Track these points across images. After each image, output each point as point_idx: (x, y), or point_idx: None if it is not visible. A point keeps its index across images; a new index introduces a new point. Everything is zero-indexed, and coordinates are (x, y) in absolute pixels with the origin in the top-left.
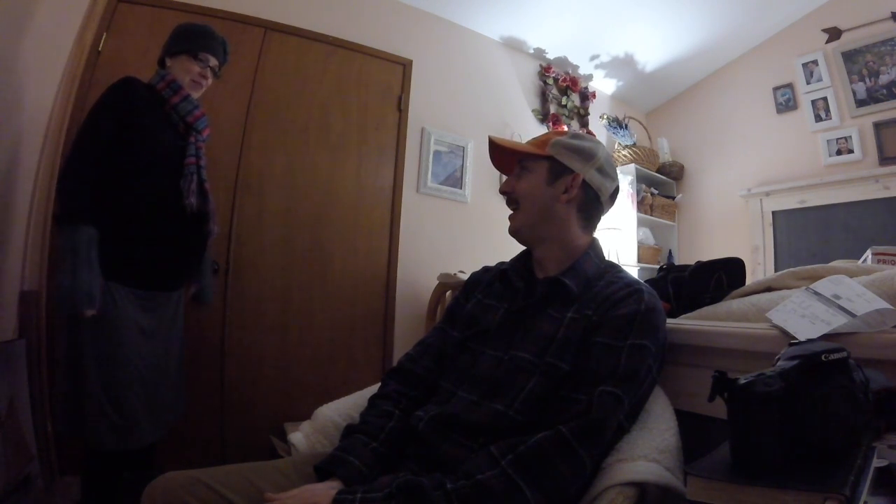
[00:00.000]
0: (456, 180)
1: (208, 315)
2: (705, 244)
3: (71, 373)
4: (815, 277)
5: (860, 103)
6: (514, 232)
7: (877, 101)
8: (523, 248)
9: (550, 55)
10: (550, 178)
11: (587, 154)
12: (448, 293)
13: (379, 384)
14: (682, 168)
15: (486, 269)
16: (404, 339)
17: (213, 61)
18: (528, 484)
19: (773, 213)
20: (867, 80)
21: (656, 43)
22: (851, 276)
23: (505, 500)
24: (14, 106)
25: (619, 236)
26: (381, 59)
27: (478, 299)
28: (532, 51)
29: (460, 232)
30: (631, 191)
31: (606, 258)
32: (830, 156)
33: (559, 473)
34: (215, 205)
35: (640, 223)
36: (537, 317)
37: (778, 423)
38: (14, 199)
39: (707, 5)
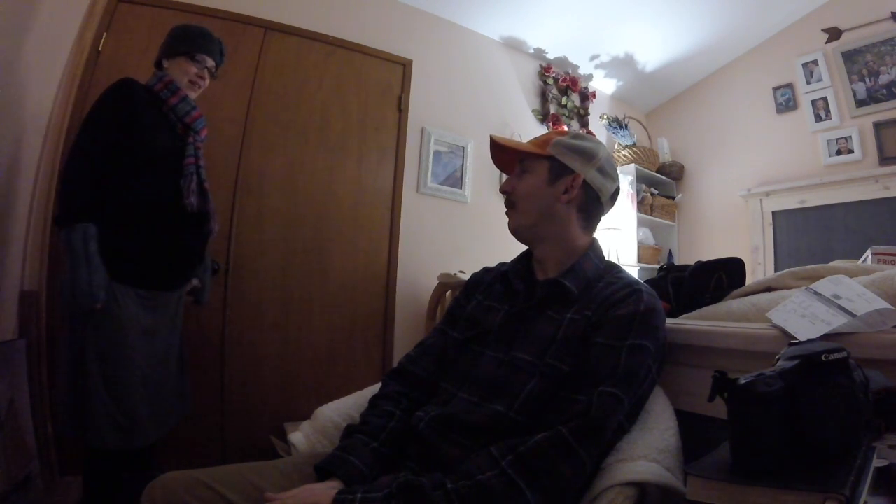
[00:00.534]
0: (456, 180)
1: (208, 315)
2: (705, 244)
3: (73, 372)
4: (815, 277)
5: (860, 103)
6: (514, 231)
7: (877, 101)
8: (524, 248)
9: (550, 55)
10: (551, 178)
11: (588, 154)
12: (448, 293)
13: (379, 384)
14: (682, 168)
15: (486, 270)
16: (404, 339)
17: (210, 62)
18: (528, 484)
19: (773, 213)
20: (867, 80)
21: (656, 43)
22: (851, 276)
23: (505, 501)
24: (14, 106)
25: (619, 236)
26: (381, 58)
27: (478, 301)
28: (532, 51)
29: (460, 232)
30: (631, 191)
31: (606, 258)
32: (830, 156)
33: (559, 474)
34: (215, 204)
35: (640, 223)
36: (537, 318)
37: (778, 423)
38: (14, 199)
39: (707, 5)
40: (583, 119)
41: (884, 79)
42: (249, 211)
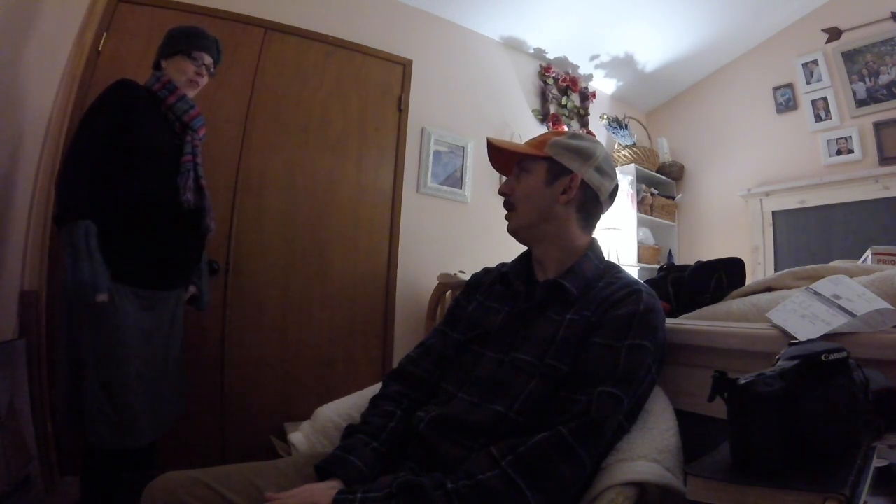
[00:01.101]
0: (456, 180)
1: (208, 315)
2: (705, 244)
3: (71, 372)
4: (815, 277)
5: (860, 103)
6: (513, 232)
7: (877, 101)
8: (523, 248)
9: (550, 55)
10: (549, 179)
11: (586, 154)
12: (448, 293)
13: (379, 385)
14: (682, 168)
15: (486, 271)
16: (404, 340)
17: (208, 59)
18: (528, 484)
19: (773, 213)
20: (867, 80)
21: (656, 43)
22: (851, 276)
23: (505, 501)
24: (14, 106)
25: (619, 236)
26: (381, 58)
27: (479, 301)
28: (532, 51)
29: (460, 232)
30: (631, 191)
31: (606, 258)
32: (830, 156)
33: (559, 474)
34: (212, 202)
35: (640, 223)
36: (537, 319)
37: (778, 423)
38: (14, 199)
39: (707, 5)
40: (583, 119)
41: (884, 79)
42: (249, 211)
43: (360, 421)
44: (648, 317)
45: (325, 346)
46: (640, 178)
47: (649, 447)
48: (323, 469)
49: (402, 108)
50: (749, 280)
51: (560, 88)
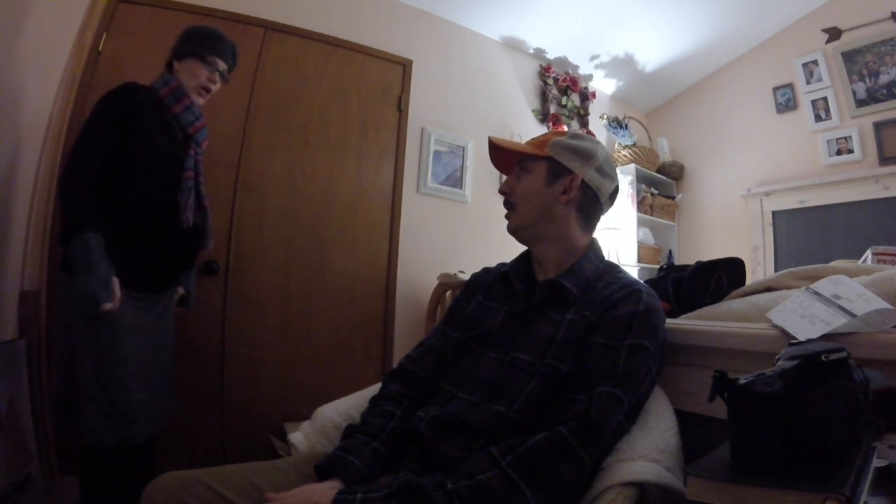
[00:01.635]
0: (456, 180)
1: (208, 315)
2: (705, 244)
3: (68, 371)
4: (815, 277)
5: (860, 103)
6: (513, 231)
7: (877, 101)
8: (523, 248)
9: (550, 55)
10: (550, 179)
11: (586, 154)
12: (448, 293)
13: (379, 385)
14: (682, 168)
15: (486, 271)
16: (404, 339)
17: (223, 65)
18: (528, 484)
19: (773, 213)
20: (867, 80)
21: (656, 43)
22: (851, 276)
23: (505, 501)
24: (14, 106)
25: (619, 236)
26: (381, 59)
27: (479, 301)
28: (532, 51)
29: (460, 232)
30: (631, 191)
31: (606, 258)
32: (830, 156)
33: (559, 474)
34: (213, 221)
35: (640, 223)
36: (537, 319)
37: (778, 423)
38: (14, 199)
39: (707, 5)
40: (583, 119)
41: (884, 79)
42: (249, 211)
43: (360, 421)
44: (649, 317)
45: (325, 346)
46: (640, 178)
47: (649, 447)
48: (323, 469)
49: (402, 108)
50: (749, 280)
51: (560, 88)
